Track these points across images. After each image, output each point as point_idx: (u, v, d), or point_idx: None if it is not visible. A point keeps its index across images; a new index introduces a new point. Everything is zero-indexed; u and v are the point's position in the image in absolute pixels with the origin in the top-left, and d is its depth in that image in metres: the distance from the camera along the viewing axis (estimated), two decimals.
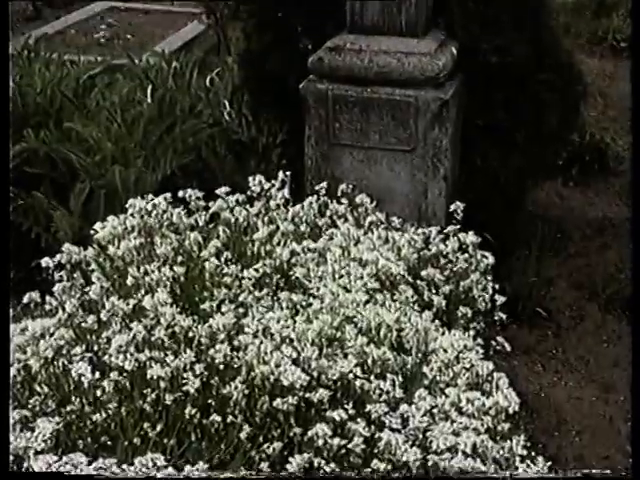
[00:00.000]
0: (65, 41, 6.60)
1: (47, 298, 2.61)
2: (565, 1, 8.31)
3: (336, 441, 2.06)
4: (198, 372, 2.18)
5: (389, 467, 2.02)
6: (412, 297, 2.75)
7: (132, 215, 2.81)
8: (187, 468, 1.94)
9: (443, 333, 2.56)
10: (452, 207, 3.39)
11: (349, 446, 2.07)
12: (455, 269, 3.12)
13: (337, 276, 2.70)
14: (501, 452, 2.11)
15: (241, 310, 2.49)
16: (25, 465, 1.84)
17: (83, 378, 2.12)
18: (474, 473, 1.97)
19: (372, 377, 2.25)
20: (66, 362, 2.22)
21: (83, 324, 2.42)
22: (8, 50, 3.19)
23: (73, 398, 2.14)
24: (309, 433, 2.08)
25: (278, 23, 4.28)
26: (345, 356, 2.30)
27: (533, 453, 2.20)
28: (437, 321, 2.71)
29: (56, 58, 4.86)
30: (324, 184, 3.45)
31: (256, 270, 2.67)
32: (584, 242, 4.81)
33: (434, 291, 2.96)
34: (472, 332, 2.79)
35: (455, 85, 3.92)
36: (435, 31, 4.03)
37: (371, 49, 3.84)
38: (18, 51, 4.80)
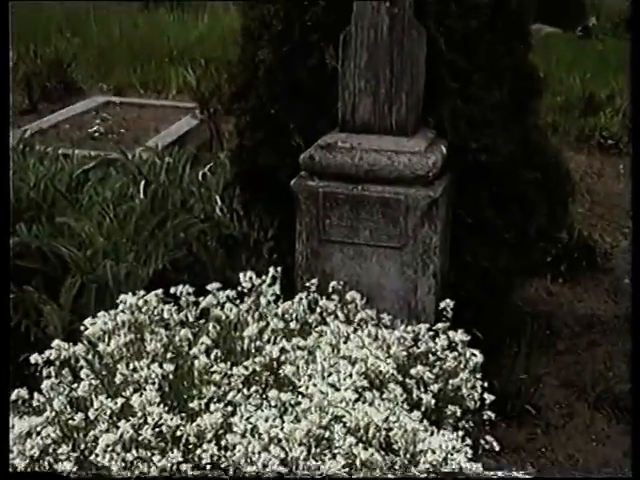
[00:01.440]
0: (59, 135, 6.68)
1: (35, 395, 2.60)
2: (554, 100, 8.48)
3: None
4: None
5: None
6: (401, 396, 2.75)
7: (122, 311, 2.82)
8: None
9: (432, 433, 2.55)
10: (442, 304, 3.41)
11: None
12: (444, 367, 3.13)
13: (326, 374, 2.70)
14: None
15: (229, 409, 2.48)
16: None
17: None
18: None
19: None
20: (52, 460, 2.20)
21: (70, 422, 2.41)
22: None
23: None
24: None
25: (271, 120, 4.34)
26: (333, 456, 2.28)
27: None
28: (426, 421, 2.70)
29: (50, 152, 4.92)
30: (314, 281, 3.47)
31: (245, 368, 2.67)
32: (573, 339, 4.82)
33: (423, 389, 2.96)
34: (461, 432, 2.78)
35: (445, 183, 3.97)
36: (425, 130, 4.09)
37: (362, 147, 3.90)
38: (13, 145, 4.85)
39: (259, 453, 2.19)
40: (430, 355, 3.18)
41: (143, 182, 4.52)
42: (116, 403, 2.36)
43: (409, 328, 3.29)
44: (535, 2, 4.61)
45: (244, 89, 4.41)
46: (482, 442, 3.02)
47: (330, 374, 2.70)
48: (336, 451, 2.30)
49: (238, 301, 3.16)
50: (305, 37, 4.17)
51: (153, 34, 11.09)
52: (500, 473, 2.06)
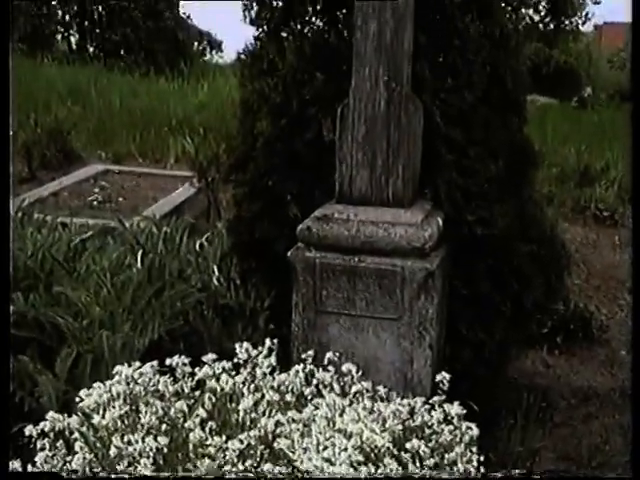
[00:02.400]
0: (58, 203, 6.73)
1: (29, 467, 2.58)
2: (549, 171, 8.55)
3: None
4: None
5: None
6: (396, 470, 2.73)
7: (118, 382, 2.81)
8: None
9: None
10: (438, 377, 3.41)
11: None
12: (440, 441, 3.11)
13: (321, 448, 2.69)
14: None
15: None
16: None
17: None
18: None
19: None
20: None
21: None
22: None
23: None
24: None
25: (268, 191, 4.38)
26: None
27: None
28: None
29: (49, 221, 4.95)
30: (311, 352, 3.47)
31: (240, 441, 2.66)
32: (569, 411, 4.80)
33: (419, 464, 2.94)
34: None
35: (441, 255, 3.99)
36: (421, 202, 4.13)
37: (358, 219, 3.92)
38: (12, 214, 4.89)
39: None
40: (426, 428, 3.16)
41: (141, 251, 4.54)
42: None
43: (405, 401, 3.27)
44: (529, 77, 4.66)
45: (242, 161, 4.46)
46: None
47: (325, 447, 2.69)
48: None
49: (234, 372, 3.15)
50: (303, 110, 4.22)
51: (153, 103, 11.21)
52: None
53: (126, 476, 1.81)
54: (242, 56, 4.68)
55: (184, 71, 15.07)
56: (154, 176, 8.07)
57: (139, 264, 4.40)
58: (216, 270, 4.61)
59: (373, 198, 4.01)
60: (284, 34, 4.41)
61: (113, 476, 1.72)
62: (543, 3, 25.98)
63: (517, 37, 4.55)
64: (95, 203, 6.87)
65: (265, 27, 4.45)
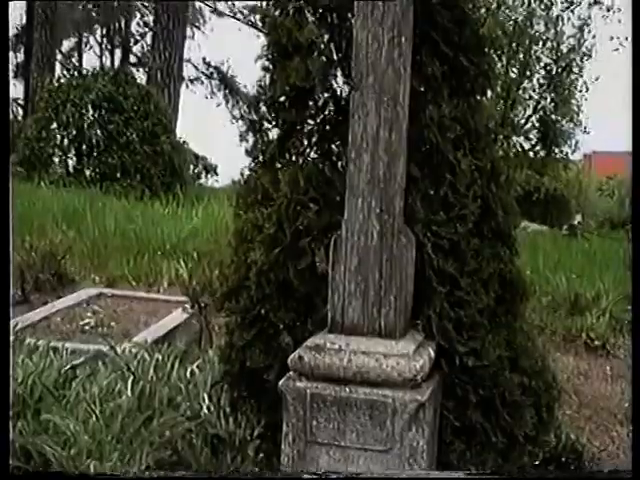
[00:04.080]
0: (50, 327, 6.72)
1: None
2: (540, 300, 8.58)
3: None
4: None
5: None
6: None
7: None
8: None
9: None
10: None
11: None
12: None
13: None
14: None
15: None
16: None
17: None
18: None
19: None
20: None
21: None
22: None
23: None
24: None
25: (261, 320, 4.40)
26: None
27: None
28: None
29: (40, 346, 4.94)
30: None
31: None
32: None
33: None
34: None
35: (432, 386, 3.99)
36: (413, 332, 4.15)
37: (350, 349, 3.94)
38: None
39: None
40: None
41: (131, 378, 4.53)
42: None
43: None
44: (520, 203, 4.75)
45: (235, 289, 4.49)
46: None
47: None
48: None
49: None
50: (296, 240, 4.28)
51: (147, 227, 11.30)
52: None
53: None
54: (237, 186, 4.77)
55: (179, 195, 15.24)
56: (147, 300, 8.08)
57: (129, 391, 4.38)
58: (206, 398, 4.59)
59: (365, 328, 4.04)
60: (279, 165, 4.50)
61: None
62: (534, 132, 26.50)
63: (508, 171, 4.65)
64: (87, 327, 6.86)
65: (260, 158, 4.54)
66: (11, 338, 4.90)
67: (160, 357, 4.96)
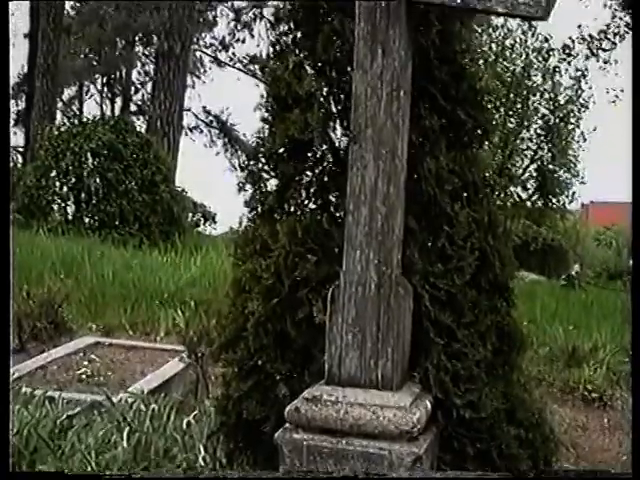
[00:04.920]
0: (46, 376, 6.71)
1: None
2: (538, 351, 8.57)
3: None
4: None
5: None
6: None
7: None
8: None
9: None
10: None
11: None
12: None
13: None
14: None
15: None
16: None
17: None
18: None
19: None
20: None
21: None
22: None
23: None
24: None
25: (258, 371, 4.39)
26: None
27: None
28: None
29: (37, 396, 4.93)
30: None
31: None
32: None
33: None
34: None
35: (429, 439, 3.97)
36: (410, 384, 4.14)
37: (347, 401, 3.93)
38: None
39: None
40: None
41: (127, 429, 4.51)
42: None
43: None
44: (518, 253, 4.76)
45: (233, 340, 4.49)
46: None
47: None
48: None
49: None
50: (294, 291, 4.29)
51: (146, 276, 11.30)
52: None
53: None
54: (235, 234, 4.79)
55: (177, 244, 15.26)
56: (143, 349, 8.06)
57: (125, 442, 4.36)
58: (202, 449, 4.57)
59: (362, 380, 4.03)
60: (277, 216, 4.52)
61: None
62: (531, 181, 26.64)
63: (505, 222, 4.67)
64: (84, 377, 6.83)
65: (259, 209, 4.56)
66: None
67: (156, 407, 4.95)
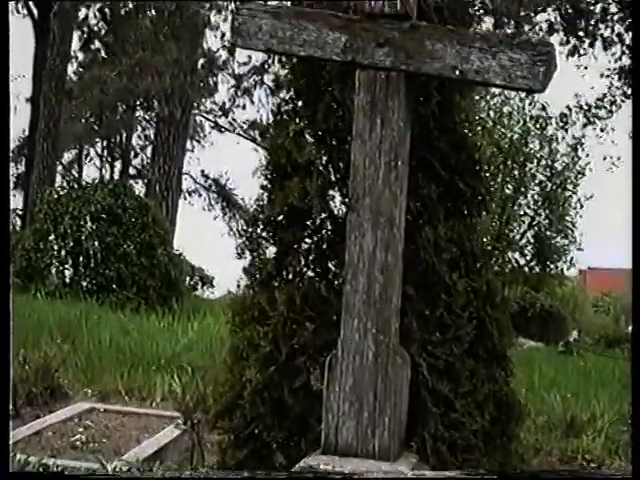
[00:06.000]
0: (41, 443, 6.63)
1: None
2: (536, 420, 8.51)
3: None
4: None
5: None
6: None
7: None
8: None
9: None
10: None
11: None
12: None
13: None
14: None
15: None
16: None
17: None
18: None
19: None
20: None
21: None
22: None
23: None
24: None
25: (254, 439, 4.37)
26: None
27: None
28: None
29: (31, 463, 4.88)
30: None
31: None
32: None
33: None
34: None
35: None
36: (407, 454, 4.12)
37: (344, 471, 3.89)
38: None
39: None
40: None
41: None
42: None
43: None
44: (514, 331, 4.77)
45: (229, 408, 4.47)
46: None
47: None
48: None
49: None
50: (292, 359, 4.28)
51: (143, 340, 11.24)
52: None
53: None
54: (233, 300, 4.80)
55: (175, 308, 15.23)
56: (139, 415, 7.98)
57: None
58: None
59: (359, 450, 4.01)
60: (275, 283, 4.52)
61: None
62: (529, 247, 26.72)
63: (503, 291, 4.68)
64: (78, 443, 6.76)
65: (257, 276, 4.57)
66: None
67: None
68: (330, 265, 4.47)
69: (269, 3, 4.39)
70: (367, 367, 4.02)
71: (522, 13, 18.71)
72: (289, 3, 4.66)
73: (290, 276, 4.51)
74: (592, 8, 19.75)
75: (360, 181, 4.05)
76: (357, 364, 4.03)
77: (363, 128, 4.05)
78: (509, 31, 17.49)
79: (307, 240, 4.51)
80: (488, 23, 17.41)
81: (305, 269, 4.51)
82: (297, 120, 4.59)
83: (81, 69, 31.31)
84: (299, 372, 4.28)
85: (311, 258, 4.51)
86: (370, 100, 4.03)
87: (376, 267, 4.00)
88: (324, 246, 4.48)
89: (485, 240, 4.73)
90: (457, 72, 3.91)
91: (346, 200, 4.25)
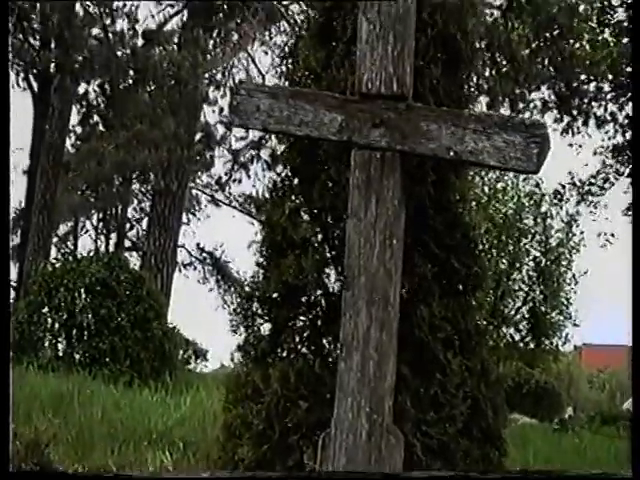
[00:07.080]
0: None
1: None
2: None
3: None
4: None
5: None
6: None
7: None
8: None
9: None
10: None
11: None
12: None
13: None
14: None
15: None
16: None
17: None
18: None
19: None
20: None
21: None
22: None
23: None
24: None
25: None
26: None
27: None
28: None
29: None
30: None
31: None
32: None
33: None
34: None
35: None
36: None
37: None
38: None
39: None
40: None
41: None
42: None
43: None
44: (508, 410, 4.76)
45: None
46: None
47: None
48: None
49: None
50: (285, 437, 4.25)
51: (135, 415, 11.17)
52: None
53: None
54: (226, 377, 4.78)
55: (168, 382, 15.13)
56: None
57: None
58: None
59: None
60: (270, 360, 4.51)
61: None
62: (523, 323, 26.69)
63: (498, 370, 4.68)
64: None
65: (252, 353, 4.56)
66: None
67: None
68: (325, 342, 4.47)
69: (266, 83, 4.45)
70: (360, 446, 3.98)
71: (517, 91, 18.94)
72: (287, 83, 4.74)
73: (284, 353, 4.51)
74: (585, 87, 20.04)
75: (355, 259, 4.06)
76: (350, 443, 3.99)
77: (358, 206, 4.08)
78: (503, 110, 17.71)
79: (302, 317, 4.51)
80: (482, 102, 17.60)
81: (299, 346, 4.50)
82: (293, 197, 4.62)
83: (79, 142, 31.53)
84: (292, 451, 4.25)
85: (306, 335, 4.51)
86: (365, 179, 4.06)
87: (371, 345, 3.99)
88: (319, 323, 4.48)
89: (479, 317, 4.73)
90: (452, 153, 3.95)
91: (341, 277, 4.26)
